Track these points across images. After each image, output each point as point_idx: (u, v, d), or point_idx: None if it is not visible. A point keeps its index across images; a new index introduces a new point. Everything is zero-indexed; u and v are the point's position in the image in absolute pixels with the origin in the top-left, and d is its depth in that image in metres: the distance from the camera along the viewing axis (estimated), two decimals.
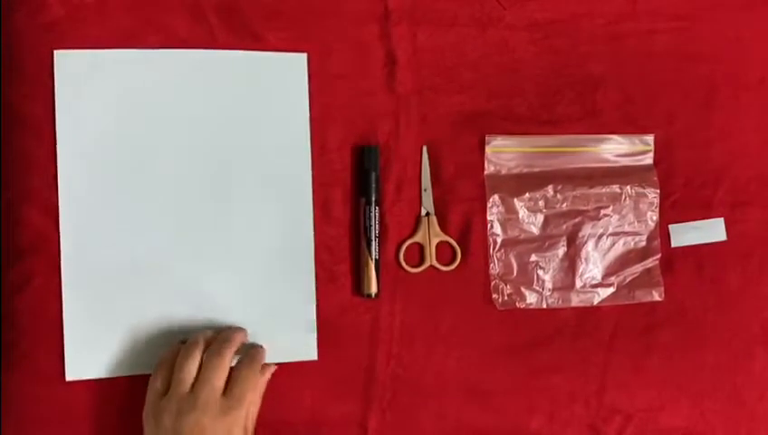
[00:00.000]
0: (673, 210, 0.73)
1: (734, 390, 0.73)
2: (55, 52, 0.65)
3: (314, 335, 0.68)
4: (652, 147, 0.73)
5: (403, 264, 0.70)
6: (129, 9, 0.67)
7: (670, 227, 0.73)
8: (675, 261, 0.73)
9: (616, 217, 0.72)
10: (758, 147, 0.75)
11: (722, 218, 0.73)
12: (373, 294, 0.68)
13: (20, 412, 0.65)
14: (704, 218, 0.73)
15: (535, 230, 0.72)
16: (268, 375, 0.65)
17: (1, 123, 0.65)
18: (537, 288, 0.71)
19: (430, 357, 0.70)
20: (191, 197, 0.67)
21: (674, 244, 0.73)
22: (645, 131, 0.73)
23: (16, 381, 0.65)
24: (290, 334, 0.68)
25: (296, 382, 0.68)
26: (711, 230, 0.73)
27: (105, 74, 0.66)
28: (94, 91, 0.66)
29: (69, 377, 0.65)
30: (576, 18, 0.73)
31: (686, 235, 0.73)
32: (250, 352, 0.65)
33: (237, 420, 0.60)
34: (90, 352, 0.65)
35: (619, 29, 0.73)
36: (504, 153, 0.72)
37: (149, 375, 0.63)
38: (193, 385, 0.60)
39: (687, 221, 0.73)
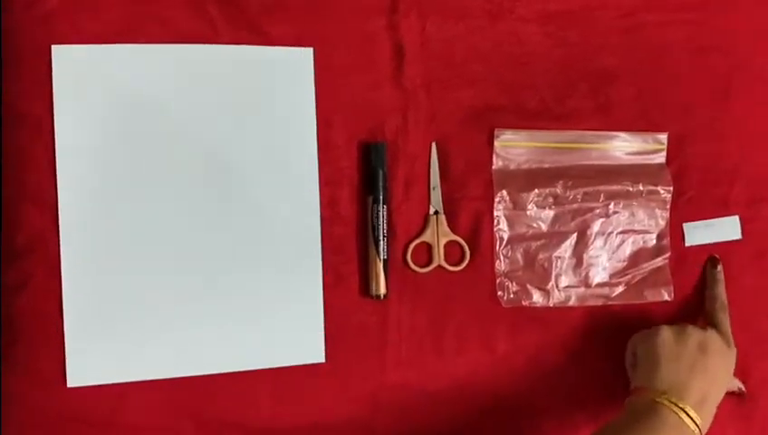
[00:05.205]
0: (687, 208, 0.72)
1: (746, 389, 0.72)
2: (53, 47, 0.64)
3: (321, 337, 0.68)
4: (665, 145, 0.72)
5: (411, 264, 0.69)
6: (125, 0, 0.66)
7: (684, 225, 0.72)
8: (689, 259, 0.72)
9: (626, 214, 0.71)
10: None
11: (737, 216, 0.73)
12: (381, 296, 0.68)
13: (20, 416, 0.64)
14: (719, 216, 0.73)
15: (544, 227, 0.71)
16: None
17: None
18: (544, 286, 0.70)
19: (439, 359, 0.70)
20: (195, 195, 0.67)
21: (688, 242, 0.72)
22: (658, 126, 0.73)
23: (16, 384, 0.64)
24: (297, 336, 0.68)
25: (304, 385, 0.68)
26: (726, 228, 0.73)
27: (105, 70, 0.65)
28: (94, 88, 0.65)
29: (70, 384, 0.64)
30: (589, 10, 0.72)
31: (701, 233, 0.72)
32: None
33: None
34: (91, 358, 0.65)
35: (633, 21, 0.73)
36: (513, 148, 0.71)
37: (150, 381, 0.63)
38: None
39: (702, 219, 0.73)
